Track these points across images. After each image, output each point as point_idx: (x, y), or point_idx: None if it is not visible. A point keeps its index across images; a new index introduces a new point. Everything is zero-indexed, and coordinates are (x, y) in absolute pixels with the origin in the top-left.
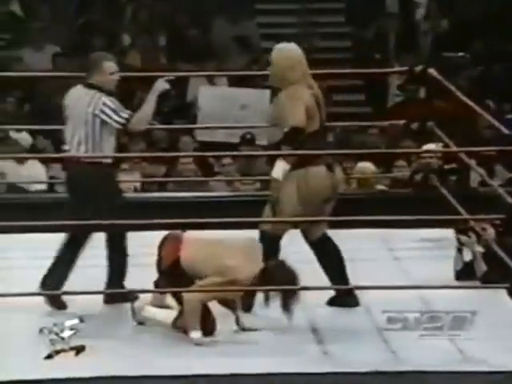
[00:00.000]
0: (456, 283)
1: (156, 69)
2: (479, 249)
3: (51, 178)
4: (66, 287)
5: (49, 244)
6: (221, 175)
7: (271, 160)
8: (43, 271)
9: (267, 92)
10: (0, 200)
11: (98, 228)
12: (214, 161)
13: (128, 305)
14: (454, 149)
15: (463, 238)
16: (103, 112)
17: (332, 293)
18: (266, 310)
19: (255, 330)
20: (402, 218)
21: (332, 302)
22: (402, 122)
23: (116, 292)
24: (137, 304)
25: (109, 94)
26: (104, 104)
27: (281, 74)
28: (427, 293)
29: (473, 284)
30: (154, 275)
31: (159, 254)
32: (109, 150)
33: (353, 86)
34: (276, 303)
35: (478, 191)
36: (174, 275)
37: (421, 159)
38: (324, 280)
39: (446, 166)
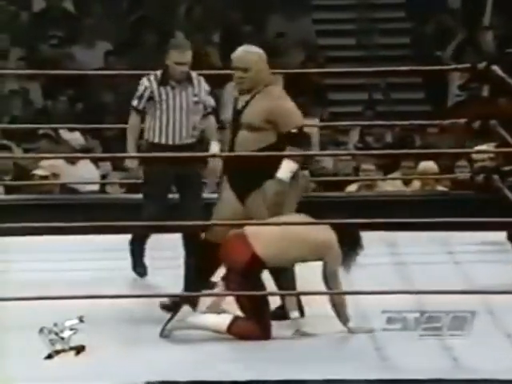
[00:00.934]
0: None
1: (208, 66)
2: None
3: (103, 177)
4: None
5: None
6: None
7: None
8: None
9: None
10: (53, 200)
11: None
12: None
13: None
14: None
15: None
16: None
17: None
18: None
19: (312, 334)
20: (462, 221)
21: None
22: (463, 120)
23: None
24: (182, 312)
25: (164, 80)
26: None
27: (259, 77)
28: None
29: None
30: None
31: (228, 258)
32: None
33: (412, 84)
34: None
35: None
36: (254, 272)
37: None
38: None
39: (507, 168)
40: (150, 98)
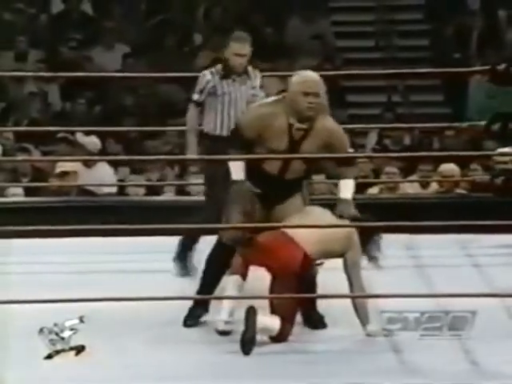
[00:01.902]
0: None
1: None
2: None
3: (120, 180)
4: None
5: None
6: None
7: None
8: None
9: None
10: (71, 203)
11: None
12: None
13: None
14: None
15: None
16: None
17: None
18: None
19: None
20: (481, 223)
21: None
22: (482, 123)
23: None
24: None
25: (226, 74)
26: None
27: (324, 102)
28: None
29: None
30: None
31: (278, 263)
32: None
33: (431, 86)
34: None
35: None
36: (308, 272)
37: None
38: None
39: None
40: (212, 92)
